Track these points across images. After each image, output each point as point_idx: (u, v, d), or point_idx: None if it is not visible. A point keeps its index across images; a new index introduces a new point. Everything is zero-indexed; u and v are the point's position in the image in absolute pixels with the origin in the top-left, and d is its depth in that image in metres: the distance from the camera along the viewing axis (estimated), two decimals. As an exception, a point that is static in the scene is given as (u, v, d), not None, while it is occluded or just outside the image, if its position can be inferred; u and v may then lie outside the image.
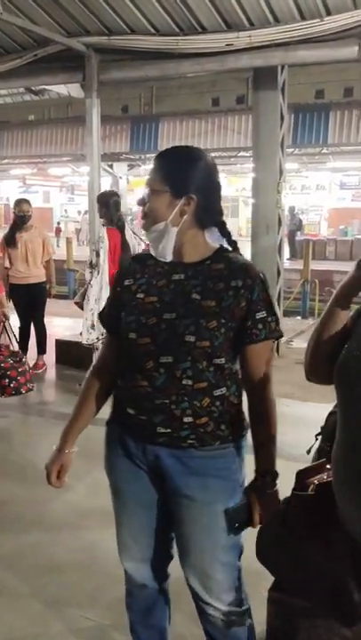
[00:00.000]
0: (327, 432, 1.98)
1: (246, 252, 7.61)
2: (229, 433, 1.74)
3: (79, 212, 31.58)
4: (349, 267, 1.59)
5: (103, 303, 2.43)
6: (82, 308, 5.26)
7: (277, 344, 7.43)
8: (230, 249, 1.80)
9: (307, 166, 24.07)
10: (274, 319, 1.72)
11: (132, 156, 18.54)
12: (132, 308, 1.74)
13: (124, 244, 5.09)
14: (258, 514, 1.76)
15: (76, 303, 5.50)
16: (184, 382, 1.66)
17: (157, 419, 1.69)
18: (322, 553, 1.72)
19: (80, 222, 28.59)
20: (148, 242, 1.80)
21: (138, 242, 5.17)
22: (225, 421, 1.73)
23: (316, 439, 2.08)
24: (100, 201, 5.26)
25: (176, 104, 14.43)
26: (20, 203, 6.47)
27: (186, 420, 1.68)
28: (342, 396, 1.50)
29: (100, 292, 5.00)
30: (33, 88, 9.49)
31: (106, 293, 4.76)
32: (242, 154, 17.19)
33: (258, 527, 1.79)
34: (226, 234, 1.79)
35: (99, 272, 5.02)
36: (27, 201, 6.55)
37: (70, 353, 6.71)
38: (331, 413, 1.98)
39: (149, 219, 1.73)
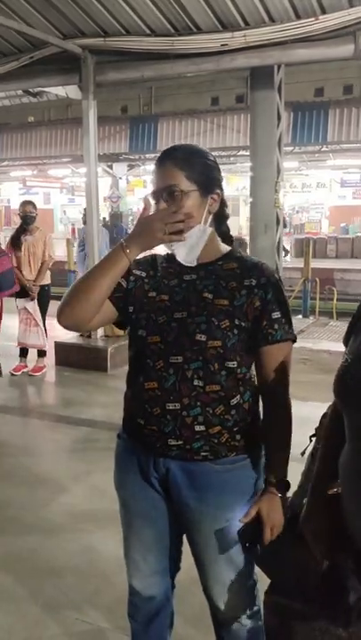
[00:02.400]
0: (320, 434, 1.97)
1: (245, 251, 7.62)
2: (245, 443, 1.67)
3: (80, 213, 31.60)
4: (350, 264, 1.58)
5: None
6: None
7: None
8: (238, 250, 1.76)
9: (307, 164, 24.04)
10: (288, 321, 1.67)
11: (131, 157, 18.56)
12: (143, 305, 1.68)
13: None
14: (268, 527, 1.65)
15: None
16: (195, 383, 1.59)
17: (168, 428, 1.61)
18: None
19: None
20: (172, 249, 1.65)
21: None
22: (240, 431, 1.65)
23: (311, 441, 2.08)
24: None
25: (175, 104, 14.42)
26: (23, 204, 6.53)
27: (197, 428, 1.60)
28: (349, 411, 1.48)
29: None
30: (30, 90, 9.49)
31: None
32: (242, 153, 17.21)
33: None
34: (223, 230, 1.75)
35: None
36: (30, 202, 6.60)
37: (70, 355, 6.72)
38: (324, 415, 1.97)
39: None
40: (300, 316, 11.79)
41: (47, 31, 6.60)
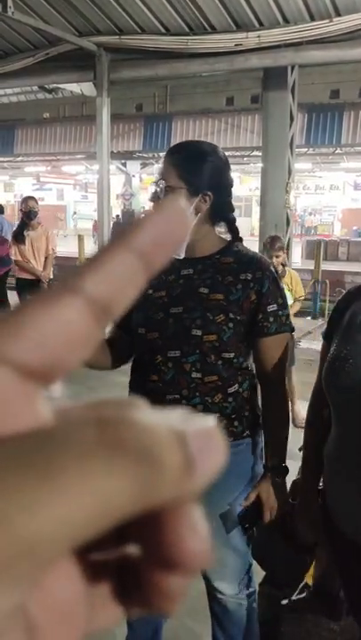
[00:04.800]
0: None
1: (256, 250, 7.62)
2: (243, 429, 1.72)
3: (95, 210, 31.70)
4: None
5: None
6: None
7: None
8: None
9: (320, 166, 23.98)
10: (285, 312, 1.71)
11: (145, 155, 18.59)
12: (141, 304, 1.70)
13: None
14: (268, 510, 1.72)
15: None
16: (193, 375, 1.64)
17: None
18: (311, 553, 1.77)
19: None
20: None
21: None
22: (238, 417, 1.71)
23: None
24: None
25: (190, 103, 14.44)
26: (26, 200, 6.63)
27: None
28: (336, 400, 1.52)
29: None
30: (46, 86, 9.56)
31: None
32: (255, 153, 17.17)
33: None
34: (234, 230, 1.77)
35: None
36: (32, 198, 6.68)
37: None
38: None
39: None
40: (309, 318, 11.79)
41: (63, 28, 6.67)
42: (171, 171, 1.64)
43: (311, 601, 1.99)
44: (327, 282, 12.54)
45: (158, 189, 1.67)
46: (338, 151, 18.23)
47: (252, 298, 1.66)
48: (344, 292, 1.64)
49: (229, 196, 1.74)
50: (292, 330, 1.77)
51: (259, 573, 2.17)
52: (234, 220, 1.77)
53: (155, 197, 1.73)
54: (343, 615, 1.89)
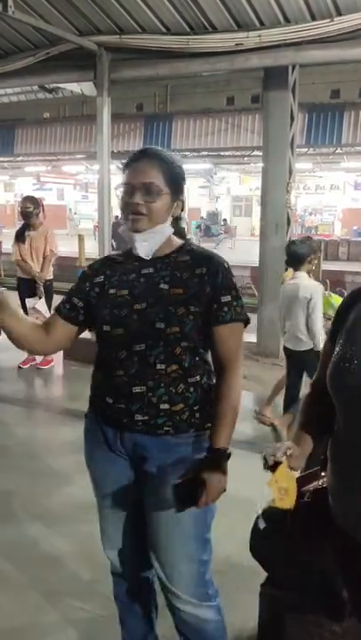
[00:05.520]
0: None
1: (257, 251, 7.62)
2: (204, 421, 1.80)
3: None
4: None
5: None
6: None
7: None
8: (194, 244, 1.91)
9: (321, 166, 23.97)
10: (239, 303, 1.79)
11: (145, 155, 18.53)
12: (105, 303, 1.81)
13: None
14: (204, 495, 1.70)
15: None
16: (158, 367, 1.73)
17: (135, 406, 1.75)
18: (313, 552, 1.75)
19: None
20: (135, 245, 1.79)
21: None
22: (200, 409, 1.79)
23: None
24: None
25: (191, 102, 14.42)
26: (23, 200, 6.67)
27: (162, 406, 1.75)
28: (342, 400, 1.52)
29: None
30: (46, 86, 9.56)
31: None
32: (256, 153, 17.15)
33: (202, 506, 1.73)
34: (182, 232, 1.90)
35: None
36: (30, 198, 6.69)
37: (77, 349, 6.73)
38: None
39: (146, 218, 1.74)
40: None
41: (64, 28, 6.66)
42: (158, 174, 1.74)
43: (313, 602, 1.98)
44: (328, 282, 12.55)
45: (142, 191, 1.73)
46: (338, 151, 18.22)
47: (207, 290, 1.77)
48: (345, 291, 1.66)
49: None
50: (247, 320, 1.85)
51: (261, 575, 2.17)
52: (181, 220, 1.91)
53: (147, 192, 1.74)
54: (346, 616, 1.87)
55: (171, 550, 1.84)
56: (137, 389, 1.75)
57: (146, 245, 1.78)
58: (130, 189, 1.74)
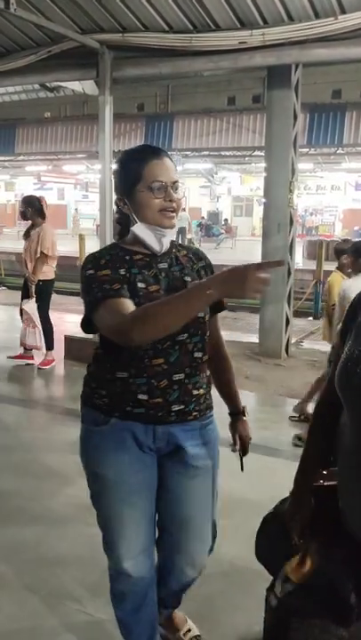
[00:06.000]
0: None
1: (258, 251, 7.60)
2: (211, 401, 2.01)
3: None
4: None
5: None
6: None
7: (287, 344, 7.40)
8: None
9: (322, 166, 23.98)
10: None
11: (146, 154, 18.54)
12: (141, 298, 1.75)
13: None
14: (247, 442, 2.17)
15: None
16: (195, 355, 1.87)
17: (173, 396, 1.84)
18: (319, 555, 1.72)
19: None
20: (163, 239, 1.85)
21: None
22: (209, 391, 2.00)
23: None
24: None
25: (192, 102, 14.43)
26: (21, 199, 6.72)
27: (194, 392, 1.89)
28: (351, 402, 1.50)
29: None
30: (47, 85, 9.52)
31: None
32: (256, 153, 17.16)
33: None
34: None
35: None
36: (24, 198, 6.71)
37: (79, 350, 6.73)
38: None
39: (175, 215, 1.84)
40: (310, 318, 11.75)
41: (66, 25, 6.62)
42: (174, 170, 1.84)
43: (319, 606, 1.94)
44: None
45: (174, 189, 1.82)
46: (339, 151, 18.23)
47: None
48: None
49: None
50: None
51: (266, 579, 2.14)
52: None
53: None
54: (353, 621, 1.84)
55: (204, 526, 2.05)
56: (176, 377, 1.83)
57: (167, 240, 1.86)
58: (162, 187, 1.78)
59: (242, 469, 2.16)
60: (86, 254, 2.16)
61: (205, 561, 2.14)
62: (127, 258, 1.82)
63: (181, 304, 1.59)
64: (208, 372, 1.99)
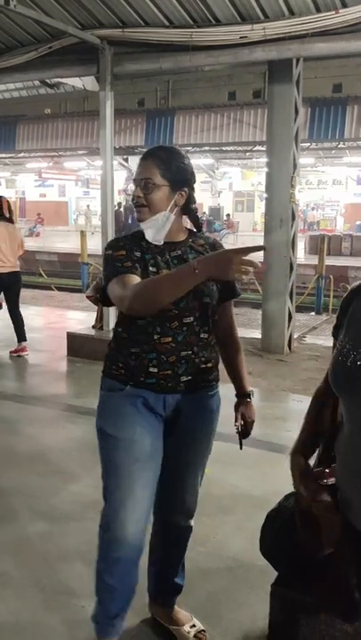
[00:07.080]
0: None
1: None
2: (218, 374, 2.20)
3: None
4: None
5: None
6: (95, 302, 5.28)
7: (290, 339, 7.39)
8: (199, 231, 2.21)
9: (323, 161, 23.93)
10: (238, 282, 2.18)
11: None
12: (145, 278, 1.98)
13: None
14: (251, 423, 2.32)
15: (88, 297, 5.52)
16: (202, 336, 2.06)
17: (181, 369, 2.04)
18: (325, 551, 1.72)
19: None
20: (142, 229, 2.06)
21: None
22: (217, 365, 2.18)
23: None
24: None
25: (192, 98, 14.38)
26: None
27: (202, 366, 2.08)
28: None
29: None
30: (48, 81, 9.51)
31: None
32: (258, 148, 17.14)
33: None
34: (198, 223, 2.20)
35: None
36: None
37: (81, 346, 6.74)
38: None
39: (147, 209, 2.02)
40: (312, 313, 11.75)
41: (66, 21, 6.60)
42: (154, 171, 1.99)
43: (325, 601, 1.94)
44: (331, 277, 12.51)
45: (141, 186, 2.00)
46: (341, 145, 18.20)
47: None
48: (348, 286, 1.67)
49: (193, 191, 2.13)
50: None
51: (272, 575, 2.14)
52: (196, 210, 2.18)
53: (143, 185, 2.01)
54: (359, 617, 1.84)
55: (195, 484, 2.27)
56: (184, 353, 2.03)
57: (150, 231, 2.03)
58: (134, 185, 2.05)
59: (240, 448, 2.31)
60: (87, 252, 2.34)
61: (196, 506, 2.33)
62: (143, 244, 2.04)
63: (171, 281, 1.81)
64: (217, 349, 2.18)
